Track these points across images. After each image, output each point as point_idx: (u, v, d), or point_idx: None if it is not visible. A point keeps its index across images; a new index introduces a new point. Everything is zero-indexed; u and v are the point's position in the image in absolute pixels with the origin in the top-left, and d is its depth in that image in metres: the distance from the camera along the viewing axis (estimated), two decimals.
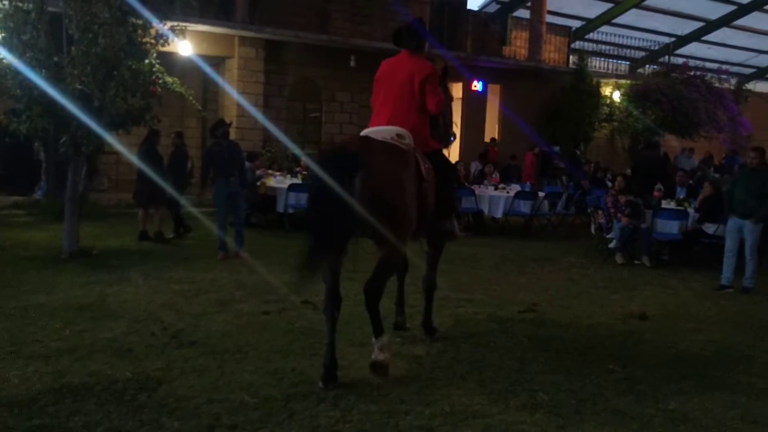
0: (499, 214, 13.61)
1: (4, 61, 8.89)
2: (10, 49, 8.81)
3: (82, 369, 4.90)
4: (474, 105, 21.25)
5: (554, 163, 18.90)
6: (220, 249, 9.56)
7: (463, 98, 21.23)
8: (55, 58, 8.76)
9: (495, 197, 13.59)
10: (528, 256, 10.91)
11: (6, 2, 8.85)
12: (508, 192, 13.79)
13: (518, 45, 22.34)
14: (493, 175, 15.41)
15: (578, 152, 20.03)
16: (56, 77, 8.67)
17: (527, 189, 14.57)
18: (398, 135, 5.18)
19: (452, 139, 6.47)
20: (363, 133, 5.39)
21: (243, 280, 8.06)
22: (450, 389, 4.85)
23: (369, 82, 18.75)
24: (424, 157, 5.35)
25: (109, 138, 8.77)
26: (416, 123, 5.45)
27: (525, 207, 13.48)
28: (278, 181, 13.27)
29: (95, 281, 7.70)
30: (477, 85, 20.99)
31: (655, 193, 11.81)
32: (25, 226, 11.64)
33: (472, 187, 13.99)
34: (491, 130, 21.80)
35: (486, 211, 13.61)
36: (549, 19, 22.51)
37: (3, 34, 9.14)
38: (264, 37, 17.03)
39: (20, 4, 8.73)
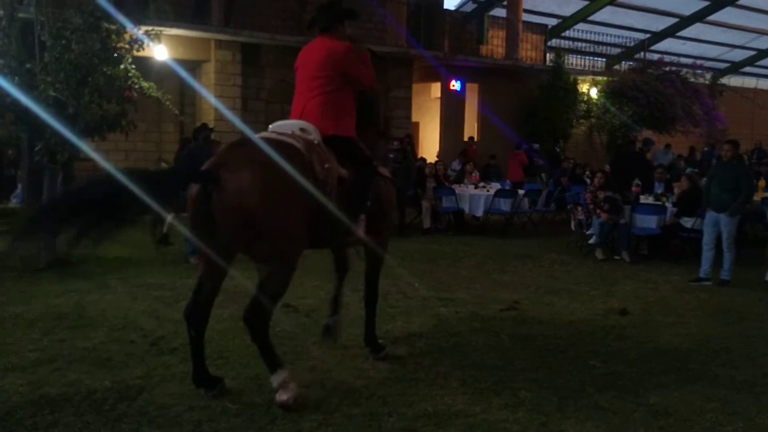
0: (479, 213, 13.64)
1: None
2: None
3: (60, 379, 4.84)
4: (452, 104, 21.29)
5: (534, 161, 18.99)
6: (192, 253, 9.47)
7: (442, 98, 21.30)
8: (28, 65, 8.66)
9: (475, 196, 13.62)
10: (509, 254, 10.95)
11: None
12: (488, 191, 13.82)
13: (495, 44, 22.42)
14: (473, 174, 15.44)
15: (557, 149, 20.13)
16: (29, 84, 8.57)
17: (507, 187, 14.61)
18: (302, 129, 4.78)
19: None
20: (270, 127, 5.02)
21: (222, 285, 7.98)
22: (433, 389, 4.85)
23: None
24: (327, 153, 4.75)
25: (83, 145, 8.66)
26: (332, 106, 4.99)
27: (505, 205, 13.52)
28: None
29: (73, 290, 7.61)
30: (455, 85, 21.04)
31: (633, 189, 11.90)
32: (1, 235, 11.47)
33: (453, 186, 14.02)
34: (470, 129, 21.85)
35: (466, 209, 13.63)
36: (525, 17, 22.61)
37: None
38: (240, 40, 16.95)
39: None
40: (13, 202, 14.19)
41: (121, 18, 9.25)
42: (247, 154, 4.40)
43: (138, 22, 9.52)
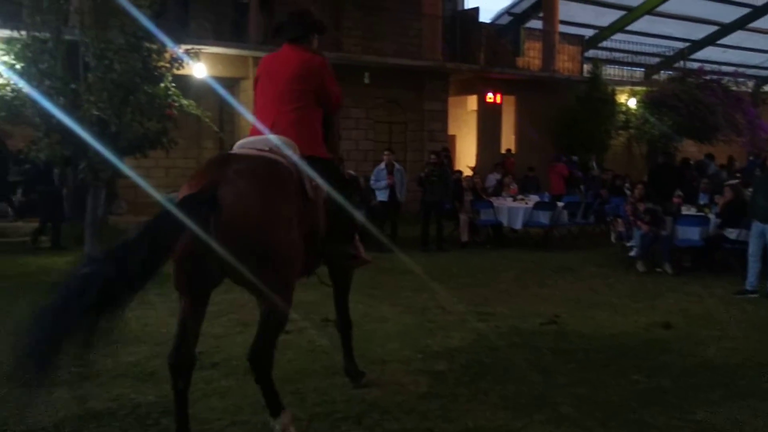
0: (518, 226, 13.54)
1: (23, 90, 9.05)
2: (29, 78, 8.97)
3: (105, 394, 4.92)
4: (489, 117, 21.24)
5: (573, 172, 18.84)
6: None
7: (478, 110, 21.26)
8: (73, 86, 8.89)
9: (514, 209, 13.54)
10: (548, 268, 10.84)
11: (24, 32, 9.01)
12: (526, 203, 13.73)
13: (532, 56, 22.33)
14: (512, 186, 15.36)
15: (593, 164, 19.94)
16: (73, 104, 8.79)
17: (546, 199, 14.50)
18: (277, 146, 4.25)
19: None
20: (238, 144, 4.51)
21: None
22: (473, 405, 4.81)
23: (383, 98, 18.98)
24: (311, 172, 4.30)
25: (120, 164, 8.84)
26: (305, 124, 4.54)
27: (544, 218, 13.41)
28: None
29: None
30: (492, 97, 20.99)
31: (675, 200, 11.71)
32: (47, 251, 11.75)
33: (491, 199, 13.96)
34: (507, 141, 21.76)
35: (505, 222, 13.56)
36: (562, 28, 22.50)
37: (22, 64, 9.31)
38: None
39: (38, 34, 8.88)
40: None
41: (162, 37, 9.46)
42: (242, 170, 3.89)
43: (178, 41, 9.71)
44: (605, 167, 20.36)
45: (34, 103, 8.78)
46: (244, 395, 4.90)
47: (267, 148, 4.22)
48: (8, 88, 11.09)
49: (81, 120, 8.62)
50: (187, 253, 3.71)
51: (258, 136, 4.45)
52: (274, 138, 4.31)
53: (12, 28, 9.54)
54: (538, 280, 9.81)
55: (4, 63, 10.05)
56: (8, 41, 9.80)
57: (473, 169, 20.03)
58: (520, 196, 14.48)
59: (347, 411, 4.61)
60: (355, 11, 18.55)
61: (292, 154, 4.26)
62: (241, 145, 4.44)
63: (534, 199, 14.28)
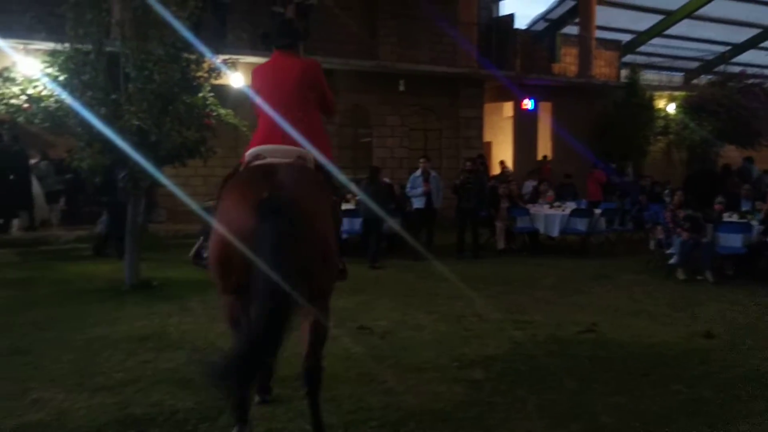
0: (555, 233, 13.41)
1: (65, 101, 9.24)
2: (72, 89, 9.16)
3: (145, 399, 4.99)
4: (525, 123, 21.13)
5: (612, 179, 18.63)
6: None
7: (514, 117, 21.16)
8: (113, 96, 9.04)
9: (550, 216, 13.42)
10: (586, 275, 10.72)
11: (67, 45, 9.21)
12: (563, 210, 13.60)
13: (568, 61, 22.16)
14: (548, 193, 15.23)
15: (629, 170, 19.68)
16: (114, 114, 8.94)
17: (583, 206, 14.35)
18: (299, 157, 4.28)
19: None
20: (255, 151, 4.37)
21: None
22: (509, 413, 4.77)
23: (418, 106, 18.97)
24: (328, 179, 4.44)
25: (158, 174, 8.95)
26: (315, 131, 4.50)
27: (581, 225, 13.26)
28: None
29: (156, 312, 7.85)
30: (527, 104, 20.88)
31: (716, 206, 11.49)
32: (88, 259, 11.99)
33: (527, 206, 13.86)
34: (543, 147, 21.61)
35: (541, 230, 13.45)
36: (598, 34, 22.29)
37: (65, 76, 9.52)
38: None
39: (80, 46, 9.07)
40: (99, 228, 14.78)
41: (201, 48, 9.59)
42: (290, 178, 3.93)
43: (216, 51, 9.83)
44: (644, 173, 20.09)
45: (76, 114, 8.95)
46: (280, 402, 4.92)
47: (292, 159, 4.22)
48: (52, 99, 11.35)
49: (121, 130, 8.76)
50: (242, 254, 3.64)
51: (276, 145, 4.35)
52: (293, 149, 4.30)
53: (56, 41, 9.76)
54: (575, 288, 9.70)
55: (48, 75, 10.29)
56: (52, 54, 10.02)
57: (504, 166, 19.95)
58: (556, 203, 14.34)
59: (383, 419, 4.61)
60: (390, 19, 18.62)
61: (310, 165, 4.32)
62: (259, 153, 4.34)
63: (571, 206, 14.13)
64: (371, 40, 18.37)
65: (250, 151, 4.42)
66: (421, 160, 13.03)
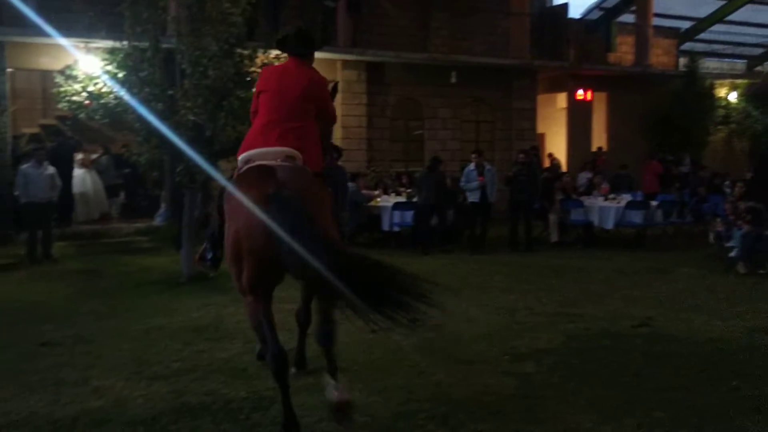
0: (609, 226, 13.19)
1: (124, 97, 9.50)
2: (130, 86, 9.40)
3: (200, 388, 5.11)
4: (579, 114, 20.77)
5: (674, 169, 18.20)
6: None
7: (568, 108, 20.84)
8: (170, 92, 9.24)
9: (605, 208, 13.19)
10: (642, 268, 10.52)
11: (125, 42, 9.45)
12: (618, 202, 13.35)
13: (624, 51, 21.68)
14: (603, 185, 14.97)
15: (687, 161, 19.17)
16: (171, 110, 9.14)
17: (639, 198, 14.06)
18: (288, 157, 4.48)
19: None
20: (247, 155, 4.59)
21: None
22: (561, 407, 4.73)
23: (470, 97, 18.85)
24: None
25: (212, 168, 9.11)
26: (310, 140, 4.74)
27: (637, 217, 13.01)
28: (383, 199, 13.44)
29: (212, 303, 8.01)
30: (582, 94, 20.53)
31: None
32: (147, 251, 12.30)
33: (581, 198, 13.66)
34: (598, 139, 21.23)
35: (596, 222, 13.23)
36: (656, 21, 21.71)
37: (123, 73, 9.78)
38: (365, 59, 17.32)
39: (137, 43, 9.29)
40: (157, 221, 15.15)
41: (254, 43, 9.71)
42: (291, 176, 4.23)
43: (269, 46, 9.94)
44: (703, 164, 19.57)
45: (134, 110, 9.19)
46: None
47: (279, 160, 4.42)
48: (111, 96, 11.68)
49: (177, 125, 8.95)
50: (270, 251, 3.91)
51: (264, 147, 4.56)
52: (282, 149, 4.51)
53: (115, 39, 10.03)
54: (630, 282, 9.53)
55: (108, 72, 10.59)
56: (111, 51, 10.31)
57: (553, 158, 19.65)
58: (611, 195, 14.08)
59: (432, 411, 4.62)
60: (442, 11, 18.53)
61: (300, 161, 4.55)
62: (251, 156, 4.55)
63: (626, 198, 13.87)
64: (423, 32, 18.30)
65: (242, 156, 4.65)
66: (473, 155, 12.94)
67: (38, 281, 9.57)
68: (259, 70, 9.78)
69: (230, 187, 4.37)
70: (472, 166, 12.69)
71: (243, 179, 4.34)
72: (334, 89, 5.62)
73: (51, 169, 11.27)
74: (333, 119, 5.13)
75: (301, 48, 4.94)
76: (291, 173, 4.27)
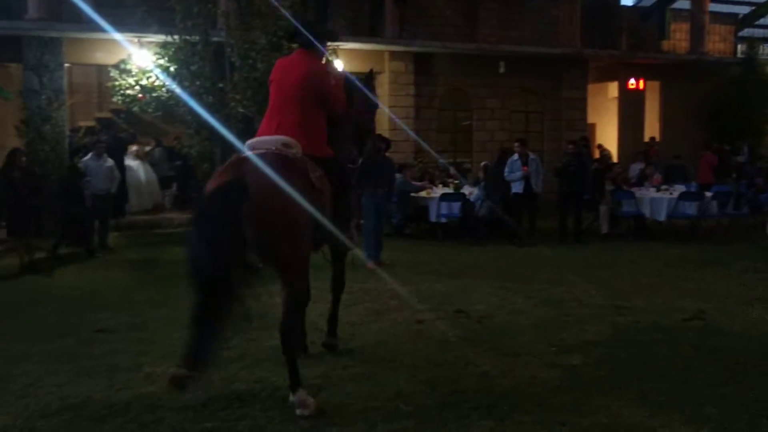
0: (662, 217, 12.93)
1: (176, 90, 9.71)
2: (181, 79, 9.61)
3: (249, 376, 5.21)
4: (631, 104, 20.37)
5: (732, 159, 17.73)
6: (369, 258, 9.83)
7: (620, 97, 20.46)
8: (220, 85, 9.42)
9: (657, 199, 12.94)
10: (695, 261, 10.29)
11: (176, 36, 9.65)
12: (671, 193, 13.08)
13: (678, 38, 21.16)
14: (655, 176, 14.68)
15: (744, 150, 18.62)
16: (221, 102, 9.31)
17: (692, 189, 13.74)
18: (284, 144, 4.73)
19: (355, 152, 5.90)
20: (248, 143, 4.92)
21: (397, 289, 8.21)
22: (608, 400, 4.68)
23: (518, 88, 18.63)
24: (314, 164, 4.82)
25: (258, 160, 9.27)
26: (308, 127, 4.94)
27: (690, 208, 12.73)
28: (431, 191, 13.43)
29: (262, 292, 8.12)
30: (634, 83, 20.13)
31: None
32: None
33: (632, 190, 13.42)
34: (651, 129, 20.79)
35: (647, 214, 12.99)
36: (712, 7, 21.12)
37: (175, 66, 10.00)
38: (413, 50, 17.29)
39: (188, 37, 9.48)
40: None
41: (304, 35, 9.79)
42: (260, 164, 4.50)
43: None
44: (762, 154, 18.99)
45: (185, 103, 9.39)
46: (378, 382, 5.04)
47: (274, 147, 4.70)
48: (163, 89, 11.94)
49: (227, 117, 9.12)
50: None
51: (266, 136, 4.90)
52: (279, 138, 4.79)
53: (166, 33, 10.25)
54: (682, 274, 9.33)
55: (160, 66, 10.83)
56: (163, 45, 10.55)
57: (602, 149, 19.30)
58: (664, 186, 13.80)
59: (477, 401, 4.62)
60: (491, 1, 18.37)
61: (294, 151, 4.76)
62: (251, 144, 4.87)
63: (680, 188, 13.56)
64: (470, 22, 18.17)
65: (246, 144, 4.96)
66: (516, 144, 12.81)
67: (96, 270, 9.85)
68: None
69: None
70: (515, 156, 12.56)
71: (221, 168, 4.74)
72: (369, 77, 5.81)
73: (110, 162, 11.59)
74: (335, 107, 5.18)
75: (302, 36, 5.15)
76: (266, 162, 4.48)
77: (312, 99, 4.97)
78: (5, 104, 14.37)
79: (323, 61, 5.20)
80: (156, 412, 4.52)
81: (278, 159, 4.59)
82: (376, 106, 6.14)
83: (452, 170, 15.50)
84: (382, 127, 16.62)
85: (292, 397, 4.52)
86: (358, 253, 9.54)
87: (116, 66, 13.88)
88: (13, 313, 7.39)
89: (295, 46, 5.39)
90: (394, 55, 17.34)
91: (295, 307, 4.66)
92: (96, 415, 4.48)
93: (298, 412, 4.43)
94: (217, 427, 4.27)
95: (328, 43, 9.67)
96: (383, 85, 17.65)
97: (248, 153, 4.70)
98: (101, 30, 12.10)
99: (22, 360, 5.66)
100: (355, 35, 16.03)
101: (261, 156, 4.57)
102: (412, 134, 15.50)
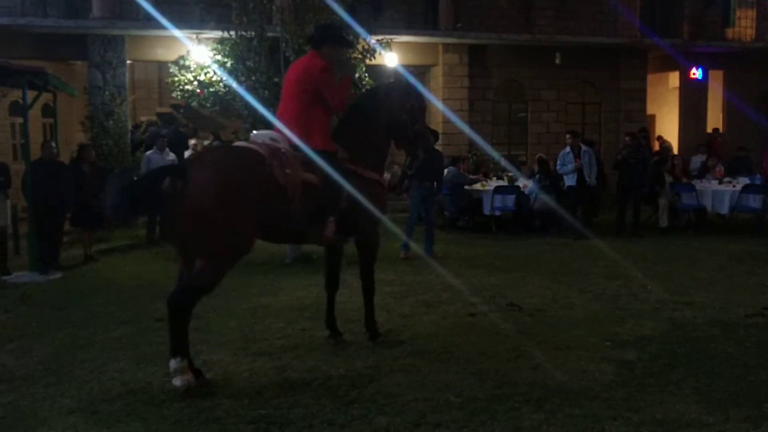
0: (724, 211, 12.58)
1: (232, 85, 9.88)
2: (238, 74, 9.77)
3: (301, 365, 5.30)
4: (693, 94, 19.84)
5: None
6: (405, 248, 9.87)
7: (680, 87, 19.93)
8: (275, 80, 9.53)
9: (719, 192, 12.60)
10: (759, 256, 9.99)
11: (233, 32, 9.82)
12: (734, 186, 12.70)
13: (744, 25, 20.44)
14: (717, 168, 14.27)
15: None
16: (276, 97, 9.41)
17: (758, 182, 13.32)
18: (271, 139, 5.22)
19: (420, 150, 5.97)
20: (251, 136, 5.55)
21: (450, 282, 8.22)
22: (662, 396, 4.60)
23: (575, 79, 18.36)
24: (292, 160, 5.03)
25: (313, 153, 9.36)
26: (304, 120, 5.31)
27: (755, 202, 12.34)
28: (485, 184, 13.36)
29: (315, 284, 8.22)
30: (696, 73, 19.57)
31: None
32: None
33: (693, 182, 13.08)
34: (714, 120, 20.20)
35: (709, 207, 12.66)
36: None
37: (231, 62, 10.18)
38: (467, 42, 17.20)
39: (244, 33, 9.63)
40: None
41: (357, 29, 9.86)
42: (214, 156, 5.15)
43: (371, 32, 10.06)
44: None
45: (242, 97, 9.55)
46: (428, 373, 5.06)
47: (260, 141, 5.15)
48: (220, 84, 12.17)
49: None
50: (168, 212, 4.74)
51: (263, 131, 5.58)
52: (270, 133, 5.34)
53: (222, 29, 10.44)
54: (745, 269, 9.06)
55: (217, 62, 11.04)
56: (220, 41, 10.75)
57: (662, 141, 18.79)
58: (726, 179, 13.41)
59: (528, 394, 4.60)
60: None
61: (279, 145, 5.12)
62: (251, 137, 5.45)
63: (743, 181, 13.16)
64: (526, 13, 17.94)
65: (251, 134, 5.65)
66: (567, 136, 12.61)
67: (156, 261, 10.12)
68: (360, 56, 9.95)
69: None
70: (567, 149, 12.36)
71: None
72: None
73: (171, 156, 11.89)
74: (331, 104, 5.41)
75: (314, 40, 5.66)
76: (225, 154, 5.26)
77: (308, 93, 5.33)
78: (71, 101, 14.88)
79: (327, 61, 5.47)
80: (212, 398, 4.64)
81: (236, 154, 5.03)
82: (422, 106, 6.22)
83: (505, 162, 15.35)
84: (435, 119, 16.63)
85: (171, 361, 4.72)
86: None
87: (175, 62, 14.22)
88: (78, 302, 7.66)
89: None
90: (447, 47, 17.28)
91: (194, 290, 4.78)
92: (155, 400, 4.62)
93: (173, 381, 4.67)
94: (269, 414, 4.35)
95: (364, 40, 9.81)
96: (437, 78, 17.64)
97: (244, 144, 5.27)
98: (161, 27, 12.42)
99: (86, 347, 5.88)
100: (408, 28, 16.05)
101: (225, 149, 5.34)
102: (466, 127, 15.40)
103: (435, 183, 10.27)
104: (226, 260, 4.84)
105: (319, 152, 5.27)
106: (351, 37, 9.86)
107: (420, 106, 6.03)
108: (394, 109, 5.75)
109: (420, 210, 10.30)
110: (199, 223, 4.60)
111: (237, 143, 5.41)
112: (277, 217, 4.97)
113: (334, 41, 5.63)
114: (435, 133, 10.72)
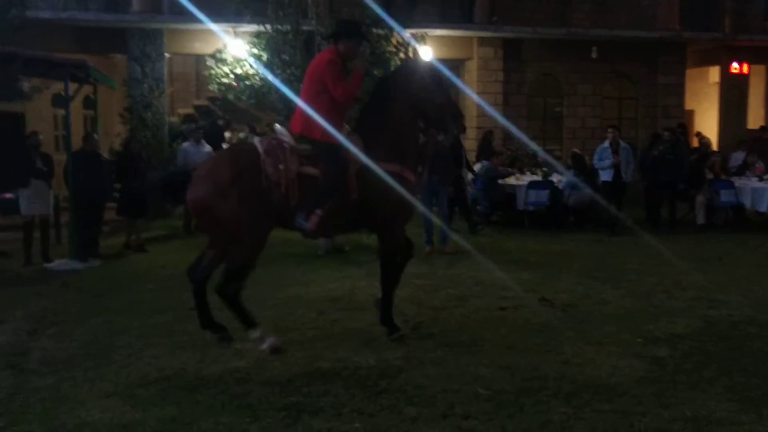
0: (763, 208, 12.34)
1: (268, 78, 9.99)
2: (273, 67, 9.87)
3: (332, 355, 5.37)
4: (734, 89, 19.42)
5: None
6: (428, 243, 9.82)
7: (721, 82, 19.56)
8: None
9: (759, 189, 12.37)
10: None
11: (269, 26, 9.92)
12: None
13: None
14: (757, 165, 14.00)
15: None
16: None
17: None
18: (281, 134, 5.57)
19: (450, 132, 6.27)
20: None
21: (481, 276, 8.23)
22: (693, 393, 4.57)
23: (611, 73, 18.10)
24: (287, 155, 5.30)
25: (348, 145, 9.41)
26: (308, 114, 5.46)
27: None
28: (519, 178, 13.30)
29: (347, 276, 8.32)
30: (737, 67, 19.19)
31: None
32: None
33: (732, 179, 12.86)
34: (756, 116, 19.78)
35: (748, 204, 12.44)
36: None
37: (267, 55, 10.28)
38: (502, 36, 17.10)
39: (280, 27, 9.73)
40: None
41: (390, 23, 9.89)
42: (213, 159, 5.91)
43: (405, 25, 10.08)
44: None
45: (277, 90, 9.65)
46: (457, 365, 5.09)
47: (273, 136, 5.63)
48: (256, 78, 12.29)
49: None
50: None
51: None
52: (281, 128, 5.73)
53: (258, 23, 10.55)
54: None
55: (253, 55, 11.16)
56: (256, 35, 10.86)
57: (702, 137, 18.46)
58: (766, 176, 13.16)
59: (557, 388, 4.61)
60: None
61: (285, 139, 5.44)
62: (277, 129, 5.81)
63: None
64: (562, 6, 17.76)
65: None
66: (609, 130, 12.46)
67: (193, 251, 10.25)
68: (394, 50, 9.98)
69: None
70: (606, 143, 12.21)
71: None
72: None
73: (207, 148, 12.06)
74: (334, 95, 5.43)
75: (331, 35, 5.84)
76: (223, 154, 6.27)
77: (315, 85, 5.49)
78: (110, 93, 15.14)
79: (345, 56, 5.59)
80: (244, 385, 4.74)
81: (241, 152, 5.74)
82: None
83: (542, 154, 15.22)
84: (470, 113, 16.57)
85: (250, 332, 5.39)
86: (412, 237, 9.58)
87: (212, 55, 14.38)
88: (117, 290, 7.85)
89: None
90: (482, 41, 17.20)
91: (230, 274, 5.31)
92: (189, 386, 4.74)
93: (261, 347, 5.31)
94: (300, 402, 4.43)
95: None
96: (471, 72, 17.57)
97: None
98: (199, 21, 12.58)
99: (124, 333, 6.03)
100: (443, 21, 16.01)
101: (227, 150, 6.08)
102: (504, 120, 15.31)
103: (444, 176, 10.00)
104: (243, 245, 5.36)
105: (318, 143, 5.43)
106: (384, 31, 9.94)
107: (438, 79, 5.81)
108: (410, 89, 5.64)
109: (431, 204, 9.99)
110: (202, 214, 5.43)
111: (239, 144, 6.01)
112: (276, 207, 5.33)
113: (349, 36, 5.66)
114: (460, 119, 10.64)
